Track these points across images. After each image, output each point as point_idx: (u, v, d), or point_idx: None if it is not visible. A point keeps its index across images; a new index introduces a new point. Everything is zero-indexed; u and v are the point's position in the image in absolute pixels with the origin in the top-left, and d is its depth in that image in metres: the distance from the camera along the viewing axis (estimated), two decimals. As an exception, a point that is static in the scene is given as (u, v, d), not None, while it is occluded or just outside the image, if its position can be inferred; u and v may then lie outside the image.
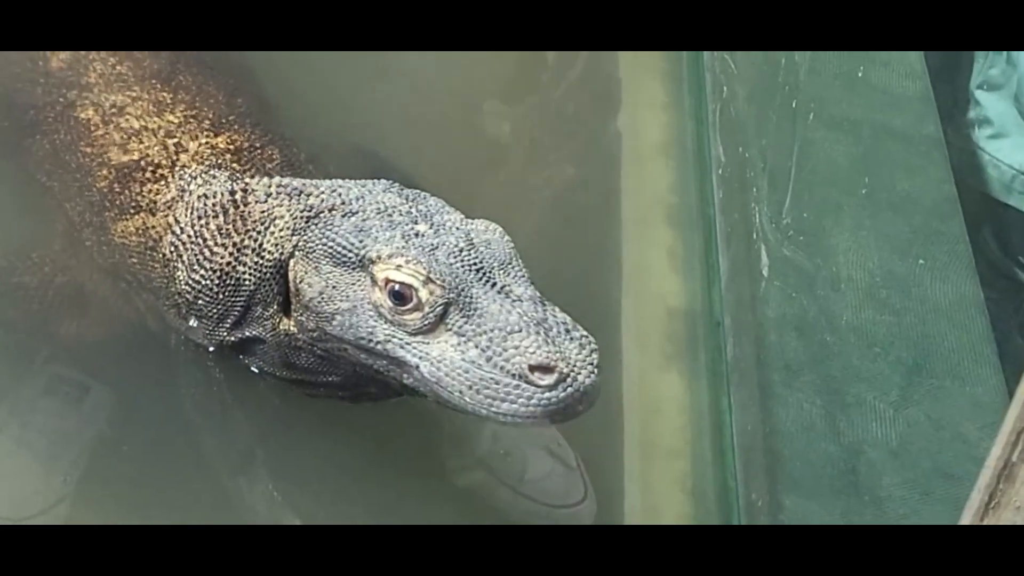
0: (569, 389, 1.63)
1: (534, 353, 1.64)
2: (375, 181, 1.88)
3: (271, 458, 2.06)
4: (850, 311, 2.05)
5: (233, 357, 1.99)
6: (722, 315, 2.36)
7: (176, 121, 2.16)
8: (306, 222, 1.84)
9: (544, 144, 2.72)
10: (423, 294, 1.71)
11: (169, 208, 2.01)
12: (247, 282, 1.88)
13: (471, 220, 1.82)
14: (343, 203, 1.83)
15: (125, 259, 2.06)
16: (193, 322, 1.96)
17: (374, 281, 1.75)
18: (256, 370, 1.98)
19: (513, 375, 1.65)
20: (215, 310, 1.92)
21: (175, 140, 2.12)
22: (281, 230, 1.86)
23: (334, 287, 1.79)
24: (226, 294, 1.90)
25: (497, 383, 1.66)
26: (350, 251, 1.77)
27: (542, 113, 2.78)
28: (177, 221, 1.97)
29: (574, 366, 1.64)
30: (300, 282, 1.83)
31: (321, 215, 1.83)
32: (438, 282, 1.70)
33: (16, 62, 2.32)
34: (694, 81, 2.80)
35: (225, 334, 1.94)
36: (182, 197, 2.00)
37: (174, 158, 2.09)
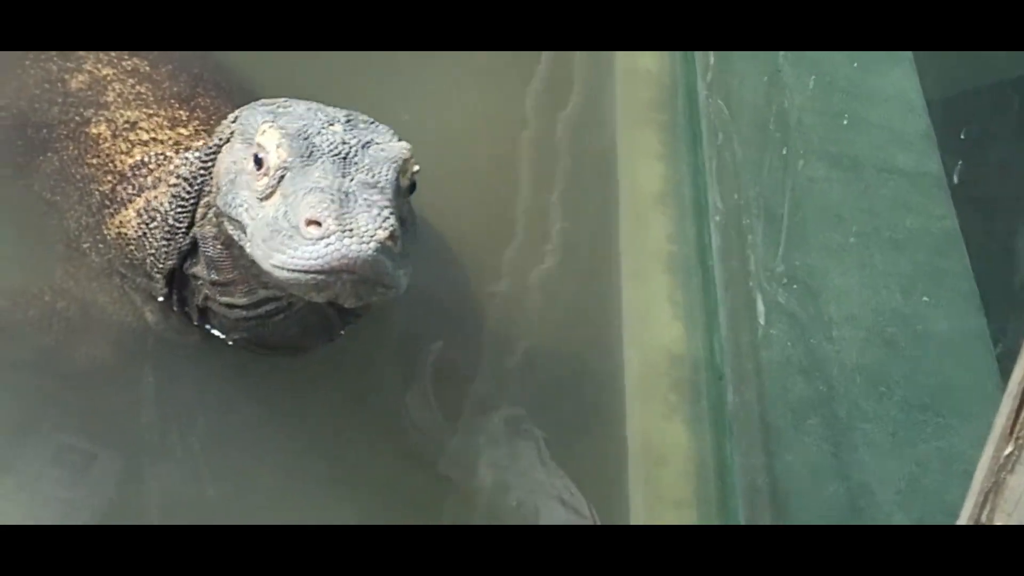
0: (331, 247, 1.59)
1: (313, 208, 1.61)
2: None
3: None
4: (855, 351, 2.03)
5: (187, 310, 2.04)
6: (723, 362, 2.33)
7: (187, 133, 2.19)
8: (244, 109, 1.87)
9: (542, 199, 2.70)
10: (272, 158, 1.72)
11: (172, 174, 2.03)
12: (200, 175, 1.92)
13: (387, 143, 1.78)
14: (284, 102, 1.85)
15: (122, 248, 2.08)
16: (161, 253, 1.99)
17: (251, 148, 1.77)
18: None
19: (293, 226, 1.62)
20: (179, 218, 1.95)
21: (184, 147, 2.13)
22: (227, 120, 1.90)
23: (233, 161, 1.81)
24: (188, 195, 1.93)
25: (279, 233, 1.64)
26: (252, 127, 1.79)
27: (540, 168, 2.76)
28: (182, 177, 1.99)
29: (348, 230, 1.60)
30: (220, 163, 1.85)
31: (258, 105, 1.86)
32: (286, 147, 1.71)
33: (35, 83, 2.33)
34: (689, 129, 2.80)
35: (182, 241, 1.95)
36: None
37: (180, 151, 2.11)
